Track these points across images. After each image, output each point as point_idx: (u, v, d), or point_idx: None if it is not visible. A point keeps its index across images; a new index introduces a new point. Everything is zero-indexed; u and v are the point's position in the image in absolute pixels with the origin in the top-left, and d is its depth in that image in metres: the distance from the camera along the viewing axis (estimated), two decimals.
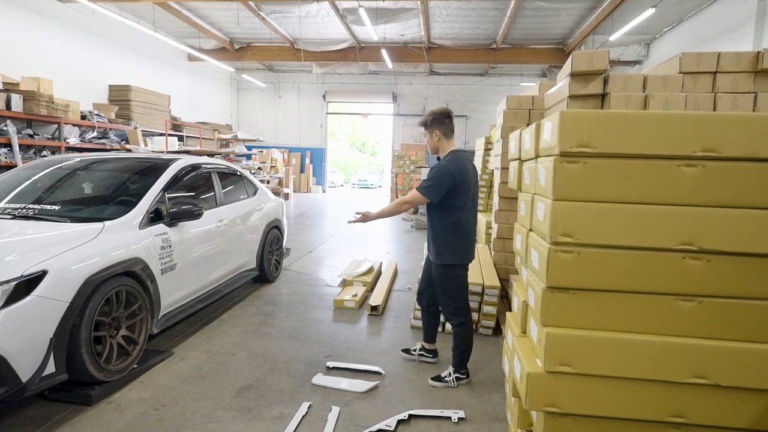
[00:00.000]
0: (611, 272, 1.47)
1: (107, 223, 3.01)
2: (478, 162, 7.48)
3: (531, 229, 1.74)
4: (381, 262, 6.00)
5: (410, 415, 2.69)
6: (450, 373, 3.04)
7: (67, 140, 8.39)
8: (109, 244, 2.87)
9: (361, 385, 2.99)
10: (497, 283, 4.02)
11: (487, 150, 7.07)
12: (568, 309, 1.50)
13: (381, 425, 2.57)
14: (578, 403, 1.50)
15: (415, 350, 3.40)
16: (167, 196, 3.54)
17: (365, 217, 3.05)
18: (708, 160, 1.43)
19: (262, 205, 5.10)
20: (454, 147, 2.97)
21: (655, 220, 1.44)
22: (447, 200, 2.83)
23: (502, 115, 4.42)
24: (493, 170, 6.36)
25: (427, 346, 3.37)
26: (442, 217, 2.91)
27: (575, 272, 1.47)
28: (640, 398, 1.48)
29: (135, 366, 3.01)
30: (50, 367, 2.42)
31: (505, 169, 4.49)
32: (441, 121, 2.92)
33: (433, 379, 3.06)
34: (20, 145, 7.30)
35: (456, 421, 2.66)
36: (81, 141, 8.77)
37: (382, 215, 3.02)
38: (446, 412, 2.72)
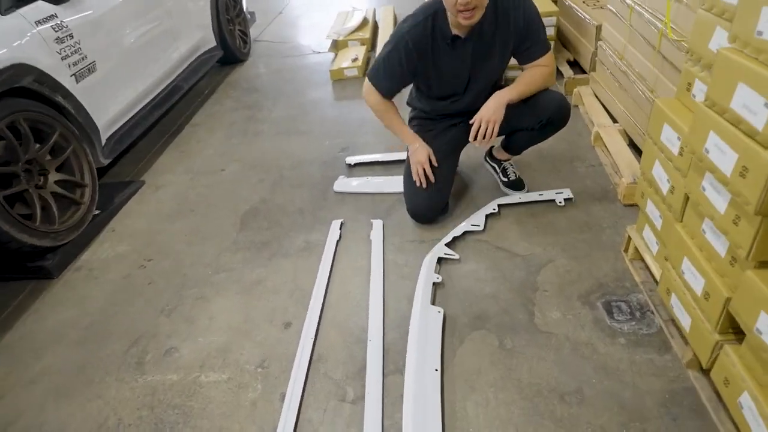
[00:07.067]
0: None
1: None
2: None
3: None
4: (374, 9, 4.62)
5: (500, 206, 2.01)
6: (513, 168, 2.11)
7: None
8: None
9: (399, 181, 2.21)
10: None
11: None
12: None
13: (465, 226, 1.90)
14: None
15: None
16: None
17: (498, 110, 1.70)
18: None
19: None
20: None
21: None
22: None
23: None
24: None
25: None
26: None
27: None
28: None
29: (96, 212, 2.23)
30: None
31: None
32: None
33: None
34: None
35: (561, 203, 1.98)
36: None
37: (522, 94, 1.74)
38: (547, 194, 2.02)
